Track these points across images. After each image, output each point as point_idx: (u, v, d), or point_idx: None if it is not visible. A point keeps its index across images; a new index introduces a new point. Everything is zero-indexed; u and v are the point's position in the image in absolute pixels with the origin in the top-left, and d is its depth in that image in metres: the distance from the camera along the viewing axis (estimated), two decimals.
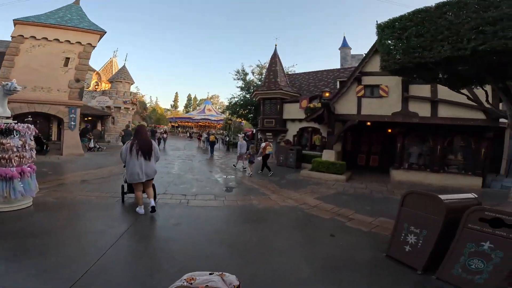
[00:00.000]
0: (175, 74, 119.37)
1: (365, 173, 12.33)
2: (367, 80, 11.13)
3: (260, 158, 10.60)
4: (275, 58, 17.10)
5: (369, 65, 11.14)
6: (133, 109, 24.62)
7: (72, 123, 13.48)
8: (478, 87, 6.55)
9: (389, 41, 5.41)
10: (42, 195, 5.98)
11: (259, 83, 22.35)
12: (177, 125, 47.64)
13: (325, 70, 18.02)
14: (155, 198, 5.44)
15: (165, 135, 22.84)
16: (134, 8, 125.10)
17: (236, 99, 24.03)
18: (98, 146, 16.52)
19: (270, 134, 15.80)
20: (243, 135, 18.89)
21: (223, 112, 40.09)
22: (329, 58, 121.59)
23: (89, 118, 23.83)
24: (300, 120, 15.06)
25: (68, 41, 13.40)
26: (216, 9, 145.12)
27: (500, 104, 9.67)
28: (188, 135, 37.59)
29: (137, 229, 4.55)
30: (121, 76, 24.01)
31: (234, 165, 12.55)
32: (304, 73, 19.03)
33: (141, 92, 62.31)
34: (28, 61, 12.63)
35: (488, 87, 10.27)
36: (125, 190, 5.85)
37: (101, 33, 14.32)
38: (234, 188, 8.28)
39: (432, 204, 3.50)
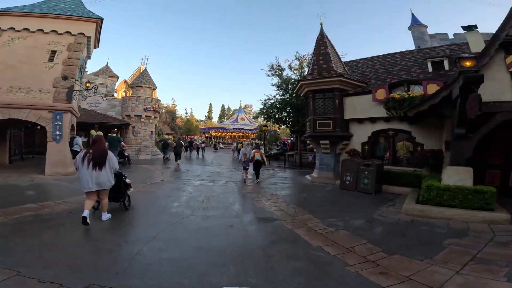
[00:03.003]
0: (209, 86, 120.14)
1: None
2: None
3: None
4: (323, 39, 12.37)
5: None
6: (155, 117, 21.43)
7: (58, 132, 10.01)
8: None
9: None
10: None
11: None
12: (209, 135, 44.67)
13: (398, 53, 12.75)
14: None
15: (203, 145, 25.27)
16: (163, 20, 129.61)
17: (271, 101, 19.49)
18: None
19: (326, 142, 10.83)
20: (247, 143, 17.77)
21: (256, 118, 35.72)
22: (390, 43, 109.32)
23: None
24: (373, 120, 9.96)
25: (55, 31, 10.47)
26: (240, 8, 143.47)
27: None
28: (213, 146, 33.10)
29: None
30: (142, 81, 21.03)
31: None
32: (365, 58, 13.88)
33: (176, 103, 61.90)
34: (4, 56, 9.88)
35: None
36: None
37: (97, 20, 11.12)
38: (283, 265, 3.54)
39: None
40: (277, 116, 19.27)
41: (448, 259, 3.43)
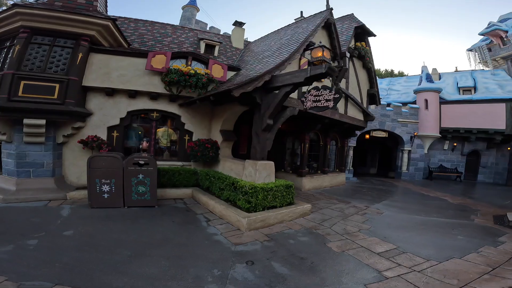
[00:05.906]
0: None
1: None
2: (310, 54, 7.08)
3: None
4: None
5: (316, 36, 7.19)
6: None
7: None
8: None
9: None
10: None
11: None
12: None
13: (170, 25, 10.36)
14: None
15: None
16: None
17: None
18: None
19: (42, 122, 5.75)
20: None
21: None
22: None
23: None
24: (133, 94, 6.91)
25: None
26: None
27: None
28: None
29: None
30: None
31: None
32: (127, 18, 9.64)
33: None
34: None
35: (364, 92, 10.39)
36: None
37: None
38: None
39: None
40: None
41: None
